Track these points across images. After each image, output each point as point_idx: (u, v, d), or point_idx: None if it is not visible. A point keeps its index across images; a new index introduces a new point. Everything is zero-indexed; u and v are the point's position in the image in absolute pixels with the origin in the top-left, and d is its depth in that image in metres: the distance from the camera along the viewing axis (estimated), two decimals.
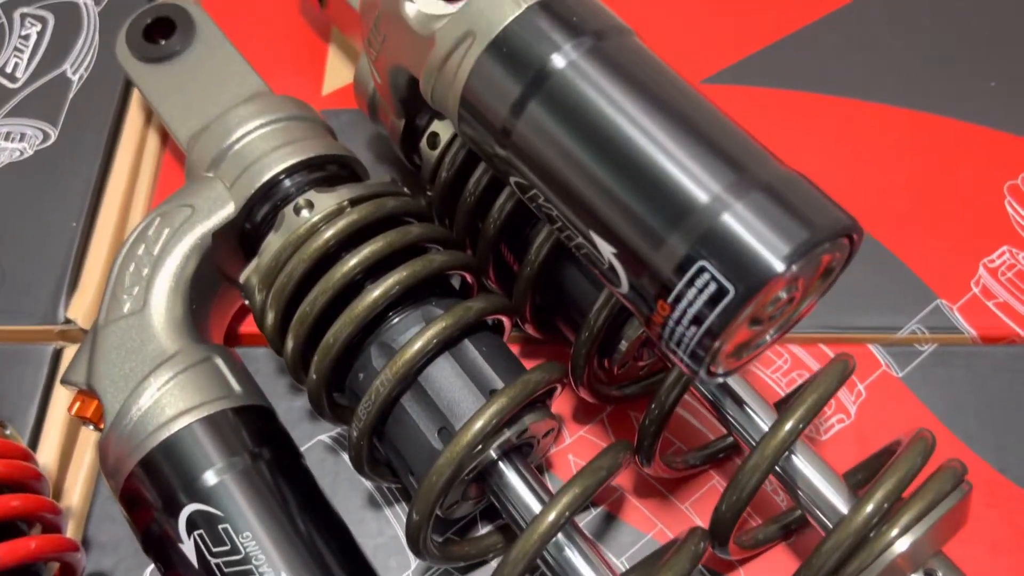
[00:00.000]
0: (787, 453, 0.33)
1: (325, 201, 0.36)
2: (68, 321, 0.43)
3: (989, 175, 0.46)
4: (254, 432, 0.34)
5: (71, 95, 0.48)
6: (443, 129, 0.39)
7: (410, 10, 0.31)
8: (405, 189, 0.39)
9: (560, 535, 0.31)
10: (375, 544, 0.37)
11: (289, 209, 0.36)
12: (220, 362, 0.36)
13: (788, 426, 0.31)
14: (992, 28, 0.50)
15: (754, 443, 0.34)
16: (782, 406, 0.35)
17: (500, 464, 0.33)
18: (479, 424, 0.31)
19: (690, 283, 0.25)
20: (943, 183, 0.45)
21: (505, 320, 0.37)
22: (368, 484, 0.39)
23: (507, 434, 0.32)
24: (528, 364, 0.41)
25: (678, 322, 0.26)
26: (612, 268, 0.28)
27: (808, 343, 0.41)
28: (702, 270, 0.25)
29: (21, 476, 0.33)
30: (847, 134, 0.47)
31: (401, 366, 0.32)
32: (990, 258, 0.43)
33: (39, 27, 0.51)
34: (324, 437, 0.40)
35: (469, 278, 0.37)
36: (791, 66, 0.49)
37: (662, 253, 0.26)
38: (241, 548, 0.31)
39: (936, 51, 0.50)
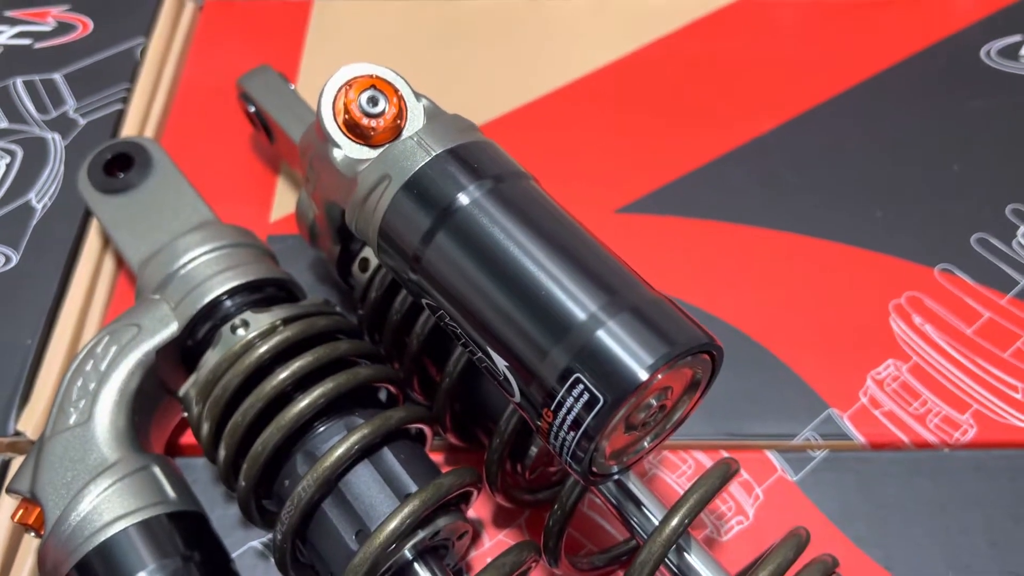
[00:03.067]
0: (682, 552, 0.36)
1: (260, 320, 0.39)
2: (18, 433, 0.45)
3: (875, 295, 0.50)
4: (186, 536, 0.37)
5: (34, 222, 0.52)
6: (373, 255, 0.43)
7: (337, 155, 0.36)
8: (338, 309, 0.43)
9: None
10: None
11: (226, 328, 0.39)
12: (157, 470, 0.38)
13: (673, 523, 0.34)
14: (878, 164, 0.56)
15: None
16: None
17: (415, 565, 0.35)
18: (392, 525, 0.33)
19: (568, 392, 0.29)
20: (835, 302, 0.50)
21: (426, 429, 0.40)
22: None
23: (421, 535, 0.35)
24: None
25: (560, 427, 0.29)
26: (507, 379, 0.31)
27: (710, 449, 0.45)
28: (578, 381, 0.29)
29: None
30: (748, 258, 0.52)
31: (322, 472, 0.35)
32: (877, 370, 0.47)
33: (8, 159, 0.55)
34: (256, 543, 0.42)
35: (394, 390, 0.41)
36: (698, 197, 0.55)
37: (545, 367, 0.30)
38: None
39: (829, 185, 0.55)
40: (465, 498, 0.38)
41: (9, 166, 0.55)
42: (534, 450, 0.39)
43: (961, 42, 0.63)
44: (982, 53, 0.62)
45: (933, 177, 0.56)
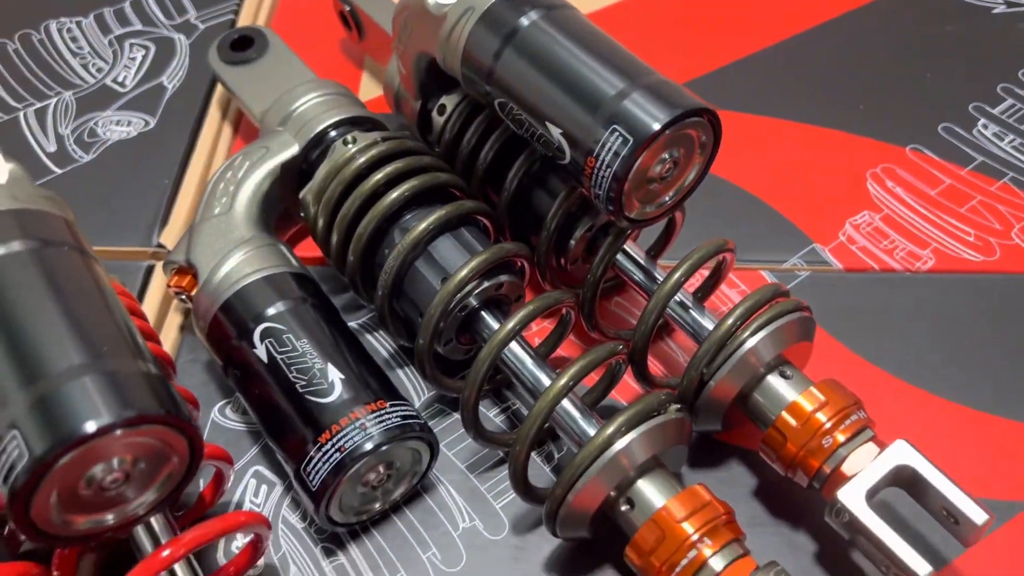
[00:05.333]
0: (686, 307, 0.47)
1: (364, 138, 0.51)
2: (160, 246, 0.56)
3: (856, 165, 0.61)
4: (304, 289, 0.48)
5: (166, 96, 0.64)
6: (448, 101, 0.54)
7: (430, 0, 0.47)
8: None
9: (522, 352, 0.44)
10: None
11: (339, 142, 0.51)
12: (282, 247, 0.50)
13: (675, 277, 0.44)
14: (864, 70, 0.67)
15: (672, 313, 0.47)
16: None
17: (482, 312, 0.46)
18: (465, 270, 0.44)
19: (603, 145, 0.40)
20: (822, 170, 0.61)
21: (490, 226, 0.50)
22: (385, 352, 0.52)
23: (486, 284, 0.46)
24: None
25: (599, 171, 0.40)
26: (560, 146, 0.42)
27: None
28: (612, 133, 0.40)
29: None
30: (755, 138, 0.63)
31: (415, 237, 0.46)
32: (854, 218, 0.58)
33: (144, 52, 0.67)
34: (353, 323, 0.53)
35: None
36: (719, 91, 0.65)
37: (587, 129, 0.41)
38: (299, 348, 0.44)
39: (823, 84, 0.66)
40: (521, 274, 0.49)
41: (144, 57, 0.67)
42: (572, 243, 0.50)
43: None
44: None
45: (909, 82, 0.66)
